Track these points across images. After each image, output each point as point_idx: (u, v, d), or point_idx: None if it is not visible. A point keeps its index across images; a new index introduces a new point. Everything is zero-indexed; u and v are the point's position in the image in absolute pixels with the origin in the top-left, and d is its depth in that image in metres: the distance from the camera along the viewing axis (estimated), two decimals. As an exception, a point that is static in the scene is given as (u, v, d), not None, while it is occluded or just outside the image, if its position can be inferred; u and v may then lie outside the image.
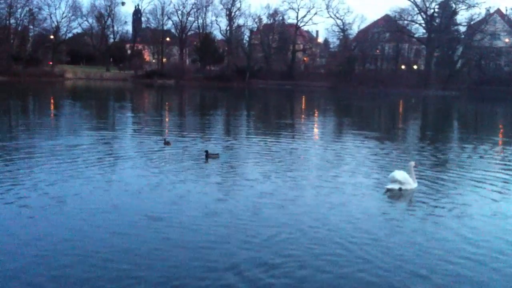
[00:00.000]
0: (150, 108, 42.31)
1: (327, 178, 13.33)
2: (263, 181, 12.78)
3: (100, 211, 9.87)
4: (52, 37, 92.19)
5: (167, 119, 31.46)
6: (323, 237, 8.73)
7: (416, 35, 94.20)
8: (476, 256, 8.05)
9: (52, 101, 44.61)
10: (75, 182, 12.05)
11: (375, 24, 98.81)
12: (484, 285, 7.05)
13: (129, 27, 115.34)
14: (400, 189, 11.81)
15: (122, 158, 15.63)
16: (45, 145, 17.37)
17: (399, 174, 11.87)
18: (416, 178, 12.34)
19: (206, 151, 15.61)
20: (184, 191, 11.63)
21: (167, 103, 48.50)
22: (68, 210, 9.86)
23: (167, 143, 17.75)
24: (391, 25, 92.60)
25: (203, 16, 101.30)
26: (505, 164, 16.73)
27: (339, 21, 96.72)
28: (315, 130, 27.85)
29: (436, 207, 10.87)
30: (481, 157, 18.05)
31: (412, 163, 12.51)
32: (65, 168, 13.56)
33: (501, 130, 30.85)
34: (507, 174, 14.62)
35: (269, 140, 20.79)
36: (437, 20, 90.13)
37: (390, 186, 11.92)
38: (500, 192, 12.29)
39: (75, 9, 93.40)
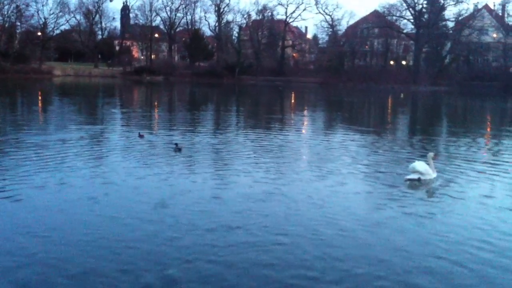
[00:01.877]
0: (138, 104, 42.09)
1: (315, 172, 13.29)
2: (247, 175, 12.67)
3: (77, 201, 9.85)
4: (39, 33, 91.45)
5: (156, 115, 31.28)
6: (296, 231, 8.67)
7: (404, 31, 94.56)
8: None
9: (40, 97, 44.25)
10: (58, 174, 11.99)
11: (364, 19, 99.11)
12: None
13: (117, 24, 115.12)
14: (419, 179, 12.00)
15: (104, 152, 15.59)
16: (32, 140, 17.21)
17: (420, 165, 12.10)
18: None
19: (176, 144, 15.96)
20: (156, 182, 11.62)
21: (155, 100, 48.25)
22: (49, 201, 9.89)
23: (141, 136, 18.26)
24: (380, 21, 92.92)
25: (192, 12, 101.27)
26: (500, 155, 16.96)
27: (328, 17, 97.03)
28: (305, 125, 27.84)
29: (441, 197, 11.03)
30: (473, 149, 18.21)
31: (431, 154, 12.71)
32: (50, 161, 13.51)
33: (489, 124, 31.13)
34: (502, 164, 14.89)
35: (258, 134, 20.73)
36: (425, 16, 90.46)
37: (410, 176, 12.12)
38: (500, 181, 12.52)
39: (62, 5, 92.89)
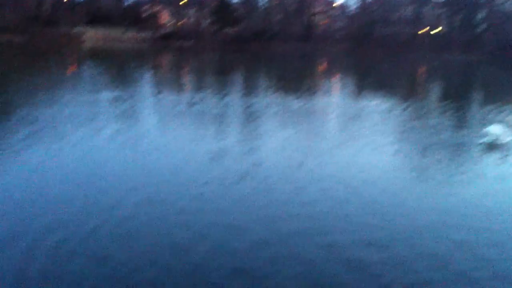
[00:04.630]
0: (165, 68, 42.28)
1: (340, 143, 13.37)
2: (278, 140, 12.86)
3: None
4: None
5: (184, 79, 31.45)
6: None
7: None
8: None
9: (69, 62, 44.74)
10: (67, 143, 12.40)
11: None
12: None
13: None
14: (494, 141, 12.50)
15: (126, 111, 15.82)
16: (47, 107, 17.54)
17: (495, 129, 12.67)
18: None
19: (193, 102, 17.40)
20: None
21: (183, 65, 48.38)
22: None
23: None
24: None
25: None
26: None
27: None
28: (338, 91, 27.72)
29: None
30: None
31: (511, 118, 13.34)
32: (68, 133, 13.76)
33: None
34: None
35: (288, 101, 20.76)
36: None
37: (485, 139, 12.67)
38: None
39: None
